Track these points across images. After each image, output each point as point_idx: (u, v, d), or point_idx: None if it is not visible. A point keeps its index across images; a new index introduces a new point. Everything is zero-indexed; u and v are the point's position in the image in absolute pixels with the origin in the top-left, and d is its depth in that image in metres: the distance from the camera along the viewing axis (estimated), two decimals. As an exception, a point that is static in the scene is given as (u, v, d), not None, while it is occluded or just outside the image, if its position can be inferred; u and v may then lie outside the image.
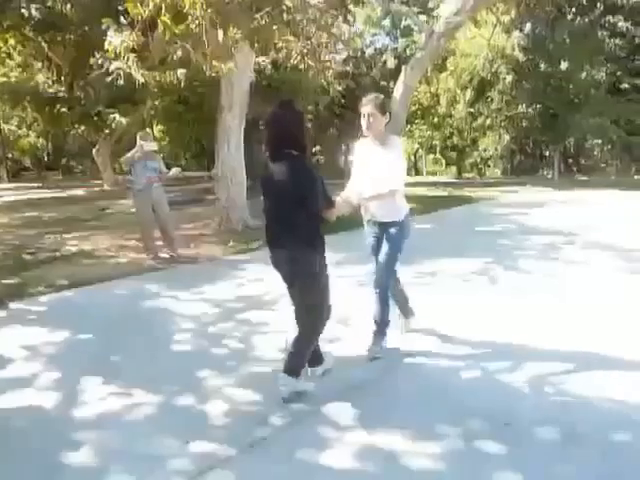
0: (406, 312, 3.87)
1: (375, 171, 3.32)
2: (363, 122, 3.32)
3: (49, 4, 12.33)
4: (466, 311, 4.38)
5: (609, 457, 2.36)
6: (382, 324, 3.54)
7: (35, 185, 22.77)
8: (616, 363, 3.28)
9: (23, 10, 12.01)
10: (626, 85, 21.96)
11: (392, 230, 3.43)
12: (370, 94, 3.42)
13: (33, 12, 12.02)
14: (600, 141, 25.03)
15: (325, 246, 2.91)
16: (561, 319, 4.12)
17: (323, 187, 2.84)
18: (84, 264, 6.66)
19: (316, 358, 3.14)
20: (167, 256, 6.84)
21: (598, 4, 21.58)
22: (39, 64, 16.73)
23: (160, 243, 6.99)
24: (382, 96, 3.40)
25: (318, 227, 2.86)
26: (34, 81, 16.71)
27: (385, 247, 3.45)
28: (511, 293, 4.87)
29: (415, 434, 2.57)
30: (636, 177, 21.85)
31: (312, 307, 2.92)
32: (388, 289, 3.54)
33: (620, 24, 21.55)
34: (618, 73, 21.76)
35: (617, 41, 21.32)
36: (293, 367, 2.92)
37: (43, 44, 14.62)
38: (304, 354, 2.97)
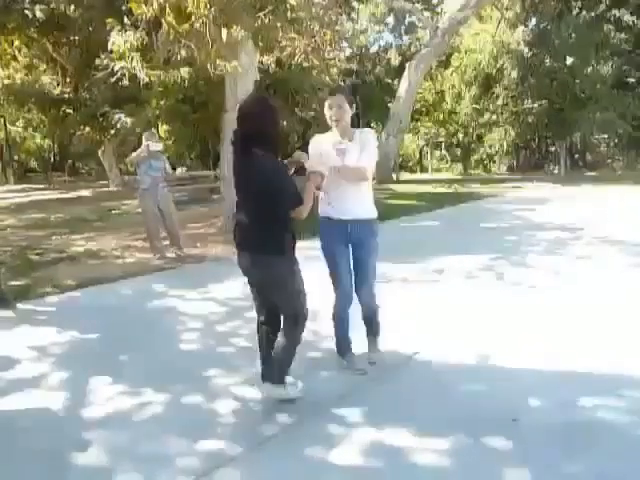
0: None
1: (341, 161, 3.02)
2: (329, 113, 3.06)
3: (53, 5, 12.35)
4: (472, 308, 4.36)
5: (615, 456, 2.34)
6: (376, 328, 3.38)
7: (41, 187, 22.90)
8: (624, 361, 3.25)
9: (27, 11, 12.04)
10: (632, 79, 21.81)
11: (367, 231, 3.13)
12: (339, 86, 3.19)
13: (37, 13, 12.04)
14: (606, 136, 24.87)
15: (295, 248, 2.75)
16: (568, 316, 4.09)
17: (292, 185, 2.65)
18: (91, 264, 6.68)
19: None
20: (173, 255, 6.85)
21: (603, -2, 21.43)
22: (44, 65, 16.79)
23: (166, 243, 7.01)
24: (350, 85, 3.16)
25: (286, 228, 2.69)
26: (39, 83, 16.79)
27: (364, 253, 3.14)
28: (518, 290, 4.84)
29: (421, 431, 2.56)
30: (643, 172, 21.69)
31: (287, 314, 2.81)
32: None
33: (626, 17, 21.39)
34: (624, 67, 21.60)
35: (623, 35, 21.17)
36: (277, 375, 2.84)
37: (48, 45, 14.67)
38: (286, 362, 2.87)
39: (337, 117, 3.04)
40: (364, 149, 3.05)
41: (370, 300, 3.25)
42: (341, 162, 3.04)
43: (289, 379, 2.91)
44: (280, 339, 2.83)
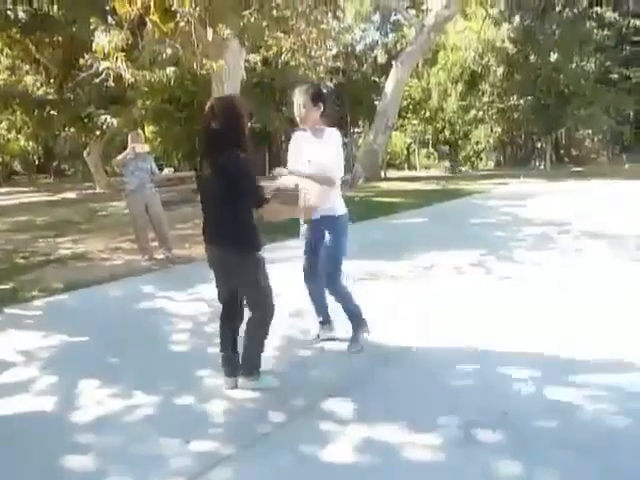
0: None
1: (310, 159, 3.21)
2: (296, 112, 3.20)
3: (35, 5, 12.21)
4: (461, 304, 4.39)
5: (609, 450, 2.36)
6: (354, 318, 3.46)
7: (26, 189, 22.61)
8: (618, 354, 3.29)
9: (9, 12, 11.90)
10: (615, 75, 22.09)
11: (330, 226, 3.26)
12: (303, 85, 3.25)
13: (20, 14, 11.91)
14: (591, 131, 25.16)
15: (261, 243, 2.85)
16: (558, 311, 4.13)
17: (255, 184, 2.72)
18: (78, 267, 6.61)
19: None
20: (162, 257, 6.80)
21: (585, -5, 21.69)
22: (27, 66, 16.58)
23: (154, 244, 6.95)
24: (317, 86, 3.30)
25: (249, 224, 2.79)
26: (23, 84, 16.56)
27: (328, 245, 3.29)
28: (507, 285, 4.89)
29: (414, 426, 2.57)
30: (627, 166, 21.96)
31: (256, 309, 2.92)
32: (339, 286, 3.39)
33: (608, 14, 21.68)
34: (607, 63, 21.88)
35: (605, 32, 21.44)
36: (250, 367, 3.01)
37: (31, 46, 14.50)
38: (258, 353, 3.00)
39: (299, 116, 3.19)
40: (326, 158, 3.18)
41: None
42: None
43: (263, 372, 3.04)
44: (248, 333, 2.95)
